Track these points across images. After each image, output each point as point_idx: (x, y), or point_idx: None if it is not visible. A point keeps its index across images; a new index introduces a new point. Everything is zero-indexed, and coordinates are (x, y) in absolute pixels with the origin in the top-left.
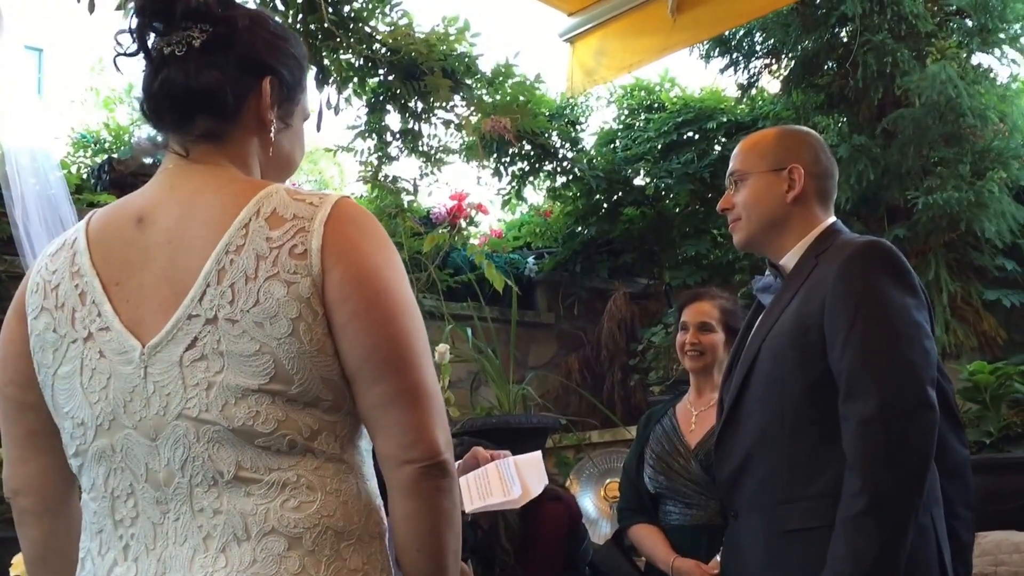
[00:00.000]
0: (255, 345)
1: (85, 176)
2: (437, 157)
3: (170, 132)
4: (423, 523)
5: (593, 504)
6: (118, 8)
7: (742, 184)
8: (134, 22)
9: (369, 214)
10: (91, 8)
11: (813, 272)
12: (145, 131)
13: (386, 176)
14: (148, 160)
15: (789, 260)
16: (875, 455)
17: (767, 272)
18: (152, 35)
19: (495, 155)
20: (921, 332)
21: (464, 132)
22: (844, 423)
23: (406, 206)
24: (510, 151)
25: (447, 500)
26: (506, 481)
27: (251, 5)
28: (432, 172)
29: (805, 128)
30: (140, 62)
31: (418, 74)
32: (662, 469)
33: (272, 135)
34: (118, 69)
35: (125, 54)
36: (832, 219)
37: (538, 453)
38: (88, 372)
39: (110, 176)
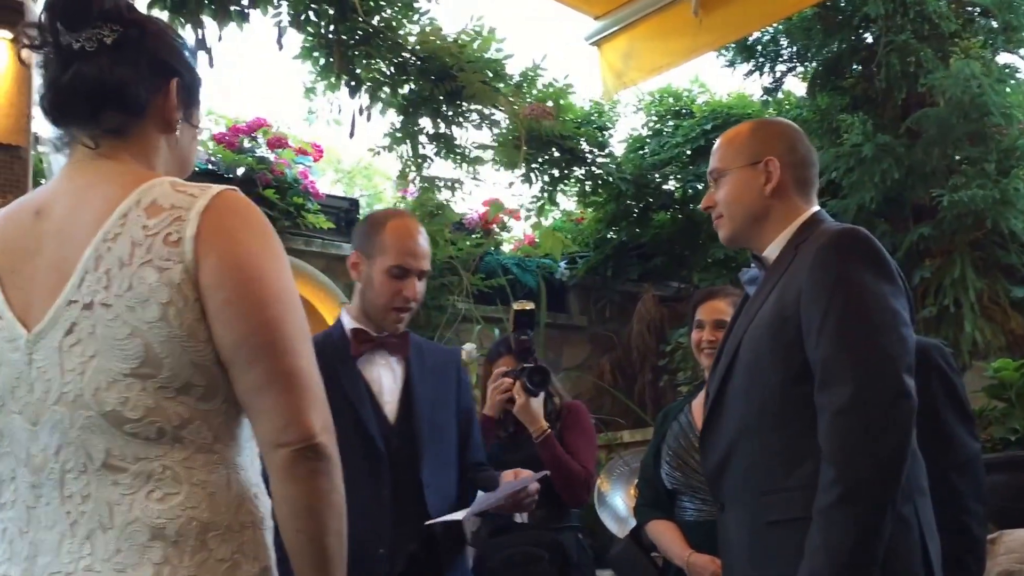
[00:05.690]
0: (127, 329)
1: None
2: (472, 158)
3: (75, 126)
4: (299, 504)
5: (623, 502)
6: (150, 7)
7: (721, 181)
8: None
9: (252, 205)
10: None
11: (792, 263)
12: None
13: (423, 178)
14: None
15: (772, 251)
16: (849, 445)
17: (751, 264)
18: (60, 30)
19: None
20: (898, 319)
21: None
22: (820, 413)
23: (445, 203)
24: (540, 158)
25: (324, 482)
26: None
27: (285, 13)
28: (469, 171)
29: (781, 119)
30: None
31: (448, 77)
32: (678, 465)
33: (177, 134)
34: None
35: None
36: (815, 208)
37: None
38: None
39: None
